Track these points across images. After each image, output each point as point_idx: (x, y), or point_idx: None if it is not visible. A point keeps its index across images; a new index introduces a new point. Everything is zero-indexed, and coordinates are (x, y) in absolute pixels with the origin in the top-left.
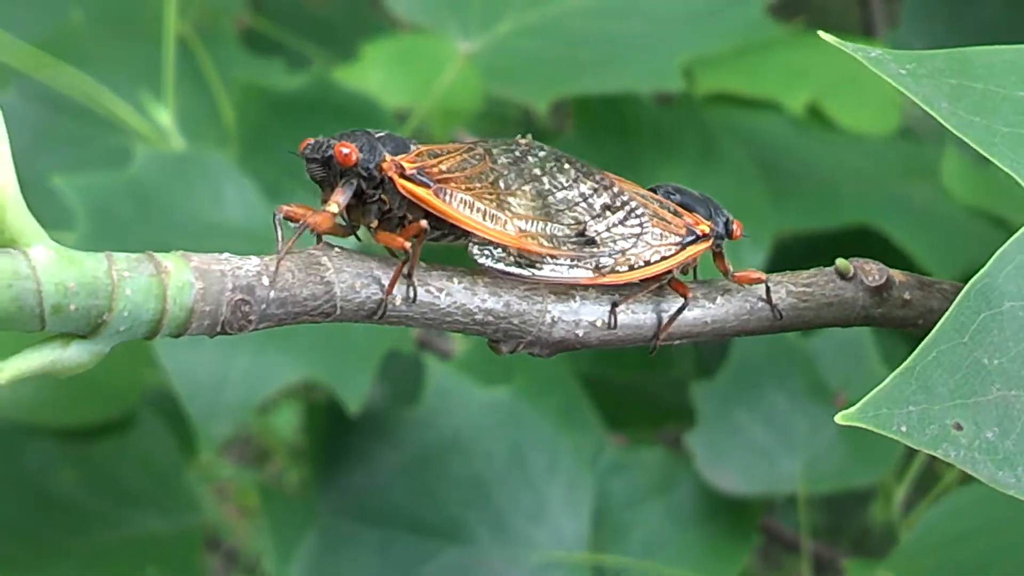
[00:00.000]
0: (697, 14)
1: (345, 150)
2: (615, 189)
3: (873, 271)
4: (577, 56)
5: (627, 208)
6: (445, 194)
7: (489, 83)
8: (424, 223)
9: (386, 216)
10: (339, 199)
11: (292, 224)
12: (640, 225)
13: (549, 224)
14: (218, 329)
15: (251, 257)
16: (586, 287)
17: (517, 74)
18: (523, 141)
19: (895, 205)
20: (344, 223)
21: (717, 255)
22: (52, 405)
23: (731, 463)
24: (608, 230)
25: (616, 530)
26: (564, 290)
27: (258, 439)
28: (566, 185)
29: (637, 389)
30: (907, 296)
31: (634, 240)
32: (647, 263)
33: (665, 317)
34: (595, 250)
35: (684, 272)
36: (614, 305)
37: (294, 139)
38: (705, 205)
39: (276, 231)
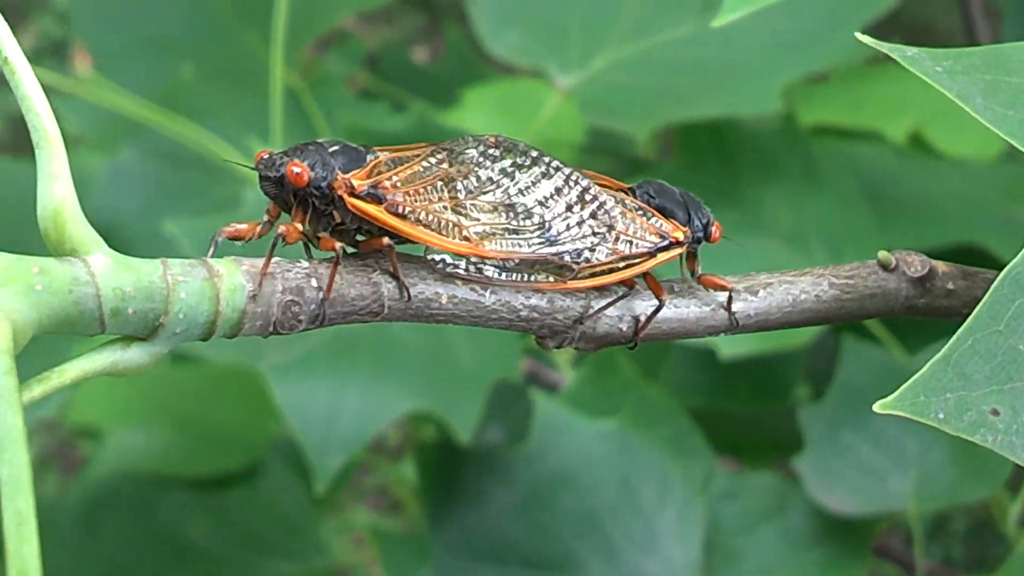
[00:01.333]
0: (795, 38)
1: (296, 170)
2: (584, 184)
3: (915, 262)
4: (675, 85)
5: (595, 204)
6: (398, 209)
7: (588, 116)
8: (386, 240)
9: (339, 228)
10: (300, 219)
11: (238, 242)
12: (608, 222)
13: (511, 226)
14: (270, 329)
15: (300, 260)
16: (547, 292)
17: (616, 106)
18: (489, 139)
19: (1001, 226)
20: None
21: (689, 255)
22: (184, 456)
23: (840, 484)
24: (572, 228)
25: (729, 556)
26: (606, 286)
27: (394, 488)
28: (529, 185)
29: (751, 420)
30: (950, 286)
31: (601, 238)
32: (612, 270)
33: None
34: (558, 248)
35: None
36: (621, 295)
37: None
38: (684, 208)
39: (210, 247)
